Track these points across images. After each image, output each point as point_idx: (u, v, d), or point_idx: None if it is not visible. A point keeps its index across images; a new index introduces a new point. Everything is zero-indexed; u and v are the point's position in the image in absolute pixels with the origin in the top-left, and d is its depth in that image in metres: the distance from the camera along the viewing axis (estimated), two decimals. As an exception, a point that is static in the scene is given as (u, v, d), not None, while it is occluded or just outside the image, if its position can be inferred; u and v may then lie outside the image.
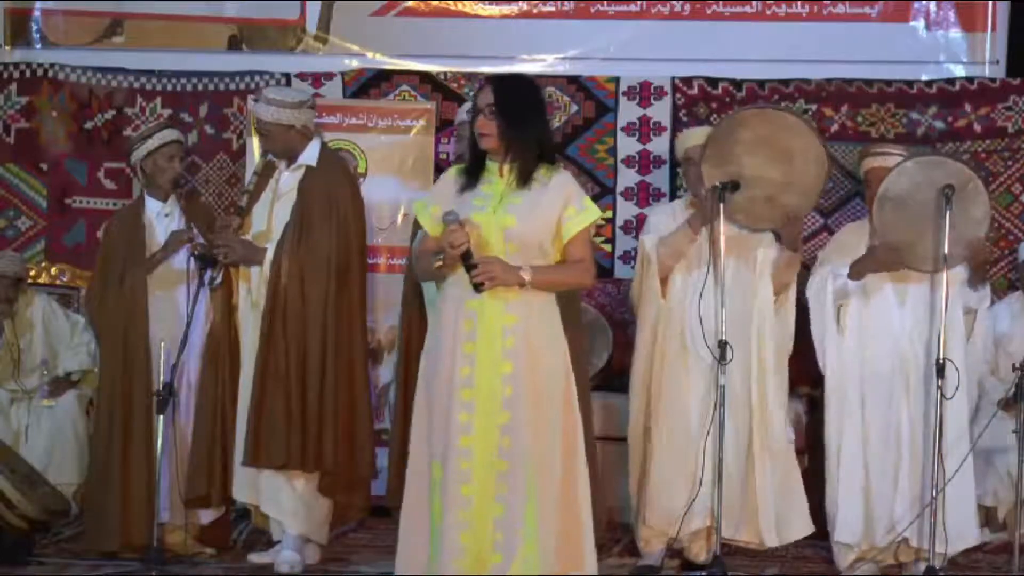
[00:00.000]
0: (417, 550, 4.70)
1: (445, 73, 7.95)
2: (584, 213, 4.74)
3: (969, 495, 6.10)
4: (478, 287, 4.57)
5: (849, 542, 6.12)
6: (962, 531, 5.99)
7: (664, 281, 6.14)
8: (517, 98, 4.72)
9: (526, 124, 4.69)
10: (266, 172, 6.23)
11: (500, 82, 4.77)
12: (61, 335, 7.31)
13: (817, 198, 6.13)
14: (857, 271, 6.05)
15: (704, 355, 5.99)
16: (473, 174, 4.76)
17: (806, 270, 6.82)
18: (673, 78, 7.87)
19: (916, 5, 7.86)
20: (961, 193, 5.82)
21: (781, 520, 6.10)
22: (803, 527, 6.18)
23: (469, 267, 4.57)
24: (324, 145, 6.31)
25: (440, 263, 4.65)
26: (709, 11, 7.93)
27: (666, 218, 6.26)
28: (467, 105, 6.29)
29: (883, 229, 5.98)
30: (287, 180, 6.18)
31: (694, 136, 6.35)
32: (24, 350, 7.24)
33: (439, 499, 4.63)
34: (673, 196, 7.66)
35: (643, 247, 6.19)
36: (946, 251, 5.81)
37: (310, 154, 6.17)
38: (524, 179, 4.69)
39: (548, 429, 4.67)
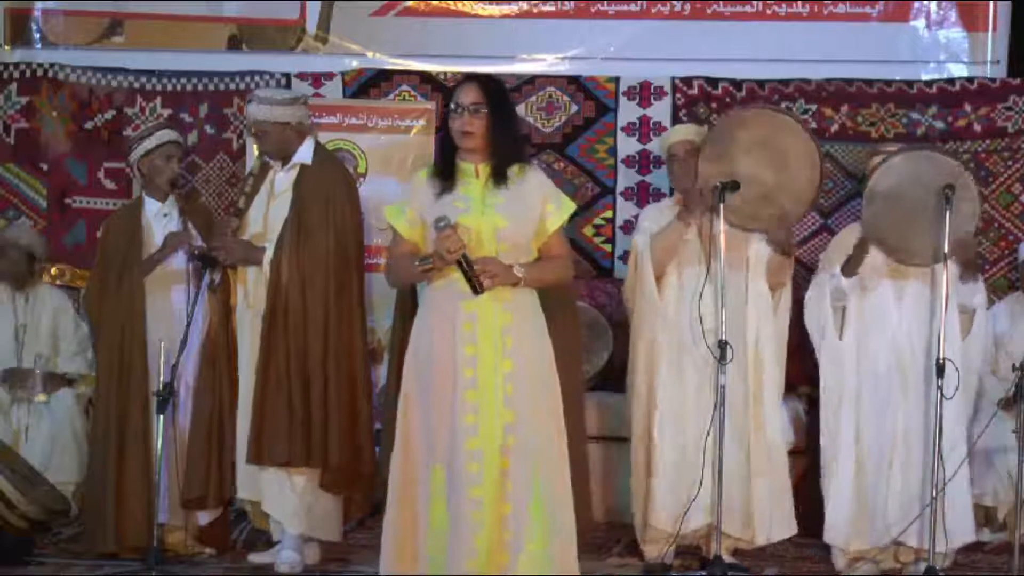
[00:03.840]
0: (406, 553, 4.70)
1: (445, 73, 7.95)
2: (562, 209, 4.83)
3: (965, 493, 6.10)
4: (477, 289, 4.58)
5: (837, 544, 6.13)
6: (959, 528, 5.99)
7: (659, 280, 6.15)
8: (503, 99, 4.78)
9: (509, 127, 4.74)
10: (262, 172, 6.23)
11: (487, 82, 4.79)
12: (66, 333, 7.28)
13: (810, 205, 6.13)
14: (849, 268, 6.07)
15: (703, 354, 6.00)
16: (447, 175, 4.77)
17: (808, 273, 6.84)
18: (673, 78, 7.87)
19: (916, 5, 7.86)
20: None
21: (768, 520, 6.11)
22: (787, 528, 6.20)
23: (468, 270, 4.58)
24: (319, 144, 6.31)
25: (428, 267, 4.66)
26: (709, 11, 7.93)
27: (656, 216, 6.28)
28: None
29: (872, 224, 5.98)
30: (282, 180, 6.18)
31: (677, 133, 6.38)
32: (30, 331, 7.22)
33: (441, 504, 4.64)
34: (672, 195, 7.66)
35: (635, 246, 6.20)
36: (946, 251, 5.82)
37: (305, 153, 6.17)
38: (501, 179, 4.72)
39: (546, 425, 4.70)
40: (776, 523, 6.16)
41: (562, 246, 4.87)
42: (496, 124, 4.71)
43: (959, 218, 5.86)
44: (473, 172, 4.76)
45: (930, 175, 5.85)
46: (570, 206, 4.85)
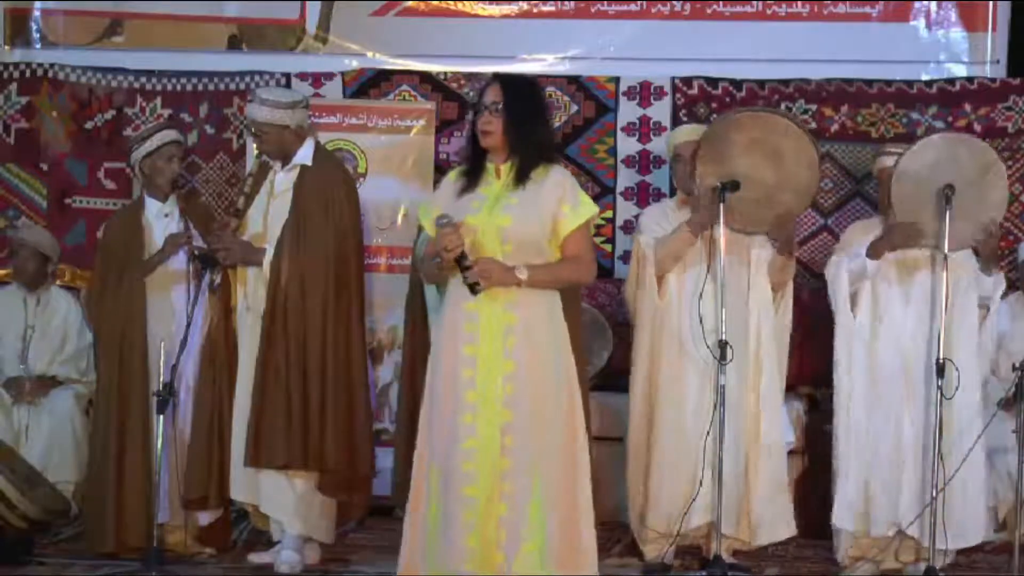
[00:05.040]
0: (415, 552, 4.71)
1: (445, 73, 7.95)
2: (580, 210, 4.74)
3: (979, 492, 6.11)
4: (473, 289, 4.57)
5: (845, 527, 6.13)
6: (968, 528, 6.00)
7: (659, 280, 6.15)
8: (523, 98, 4.73)
9: (529, 124, 4.70)
10: (261, 173, 6.23)
11: (508, 81, 4.77)
12: (70, 337, 7.29)
13: (809, 201, 6.15)
14: (876, 250, 6.06)
15: (703, 354, 6.00)
16: (472, 175, 4.76)
17: (810, 273, 6.84)
18: (673, 78, 7.86)
19: (916, 5, 7.85)
20: (982, 175, 5.88)
21: (766, 520, 6.12)
22: (785, 530, 6.20)
23: (464, 269, 4.57)
24: (319, 145, 6.31)
25: (439, 265, 4.66)
26: (709, 11, 7.93)
27: (658, 217, 6.28)
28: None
29: (900, 202, 5.98)
30: (282, 180, 6.18)
31: (683, 133, 6.38)
32: (37, 334, 7.22)
33: (437, 502, 4.64)
34: (673, 196, 7.65)
35: (639, 247, 6.20)
36: (946, 250, 5.83)
37: (305, 154, 6.17)
38: (521, 179, 4.69)
39: (550, 427, 4.68)
40: (774, 524, 6.16)
41: (580, 247, 4.77)
42: (513, 123, 4.68)
43: (987, 205, 5.92)
44: (494, 172, 4.75)
45: (964, 158, 5.90)
46: (590, 208, 4.77)
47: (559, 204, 4.72)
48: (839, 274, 6.15)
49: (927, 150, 5.96)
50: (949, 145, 5.99)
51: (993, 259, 6.17)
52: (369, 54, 8.10)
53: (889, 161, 6.24)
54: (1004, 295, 7.18)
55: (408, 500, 4.78)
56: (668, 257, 6.12)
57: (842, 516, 6.14)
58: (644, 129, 7.88)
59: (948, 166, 5.92)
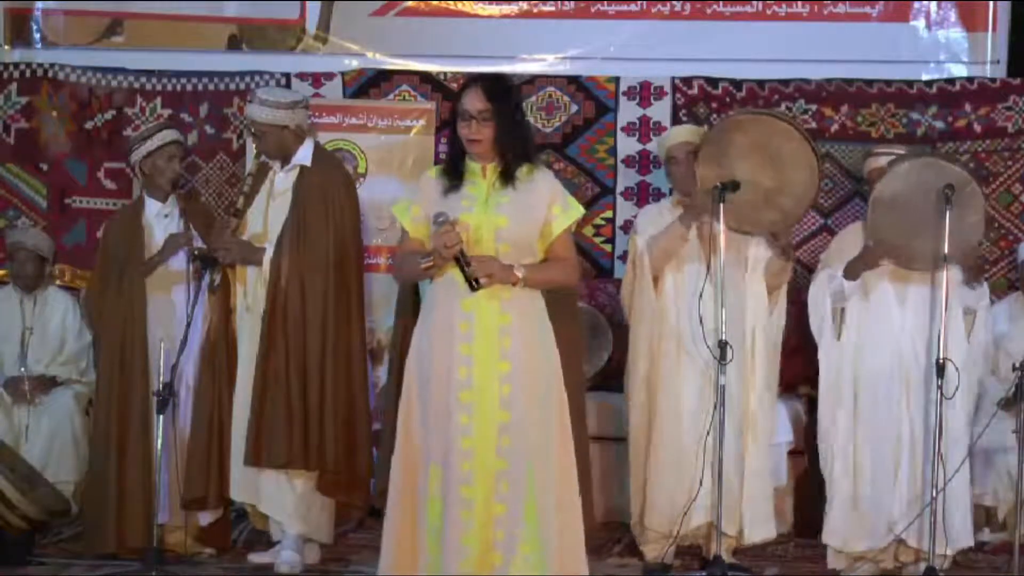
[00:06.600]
0: (406, 553, 4.70)
1: (445, 73, 7.95)
2: (569, 212, 4.79)
3: (964, 497, 6.11)
4: (474, 286, 4.57)
5: (835, 546, 6.14)
6: (958, 533, 6.01)
7: (656, 280, 6.15)
8: (509, 103, 4.73)
9: (517, 128, 4.72)
10: (260, 173, 6.23)
11: (491, 86, 4.74)
12: (68, 336, 7.28)
13: (808, 205, 6.15)
14: (852, 271, 6.08)
15: (703, 353, 6.00)
16: (454, 174, 4.76)
17: (808, 273, 6.84)
18: (673, 78, 7.86)
19: (916, 5, 7.85)
20: (957, 196, 5.83)
21: (753, 519, 6.12)
22: (767, 529, 6.20)
23: (464, 267, 4.57)
24: (318, 145, 6.32)
25: (429, 264, 4.65)
26: (709, 11, 7.92)
27: (654, 217, 6.29)
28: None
29: (876, 230, 5.99)
30: (281, 180, 6.18)
31: (676, 135, 6.38)
32: (36, 335, 7.22)
33: (438, 502, 4.63)
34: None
35: (635, 247, 6.21)
36: (946, 251, 5.83)
37: (304, 154, 6.18)
38: (508, 178, 4.71)
39: (544, 427, 4.69)
40: (760, 523, 6.17)
41: (568, 249, 4.82)
42: (503, 129, 4.68)
43: (965, 227, 5.88)
44: (480, 171, 4.76)
45: (936, 182, 5.86)
46: (578, 210, 4.81)
47: (549, 206, 4.75)
48: (821, 300, 6.16)
49: (895, 179, 5.94)
50: (917, 171, 5.93)
51: (973, 274, 6.18)
52: (369, 54, 8.10)
53: (880, 161, 6.25)
54: (1004, 295, 7.22)
55: (393, 499, 4.77)
56: (662, 254, 6.12)
57: (831, 536, 6.13)
58: (644, 129, 7.88)
59: (919, 191, 5.89)
